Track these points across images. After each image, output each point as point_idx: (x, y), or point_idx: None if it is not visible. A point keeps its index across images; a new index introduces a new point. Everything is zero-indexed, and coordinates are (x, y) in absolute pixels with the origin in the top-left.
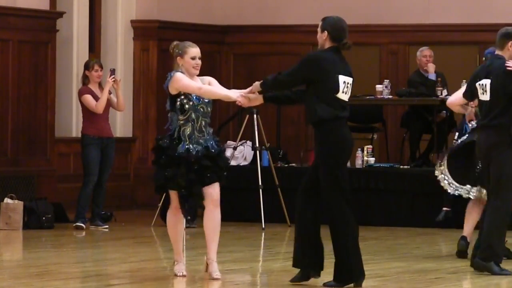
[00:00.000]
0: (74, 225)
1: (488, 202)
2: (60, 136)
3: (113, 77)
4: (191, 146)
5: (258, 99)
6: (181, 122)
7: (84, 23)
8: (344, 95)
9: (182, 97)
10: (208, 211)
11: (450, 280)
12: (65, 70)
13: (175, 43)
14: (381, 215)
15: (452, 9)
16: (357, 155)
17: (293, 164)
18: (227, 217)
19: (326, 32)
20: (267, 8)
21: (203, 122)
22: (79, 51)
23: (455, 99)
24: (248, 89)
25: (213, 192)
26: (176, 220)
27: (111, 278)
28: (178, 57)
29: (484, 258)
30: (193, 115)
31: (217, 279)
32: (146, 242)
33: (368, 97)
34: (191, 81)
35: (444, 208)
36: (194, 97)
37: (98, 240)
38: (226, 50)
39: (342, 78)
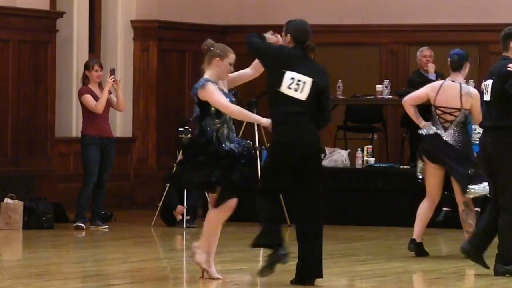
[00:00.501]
0: (74, 225)
1: (493, 205)
2: (60, 136)
3: (113, 77)
4: (232, 146)
5: None
6: (218, 125)
7: (84, 23)
8: (292, 91)
9: None
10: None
11: (450, 280)
12: (65, 70)
13: (211, 41)
14: (381, 215)
15: (452, 9)
16: (357, 155)
17: None
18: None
19: (289, 36)
20: (267, 8)
21: (232, 121)
22: (79, 51)
23: (410, 99)
24: None
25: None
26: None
27: (111, 278)
28: (217, 58)
29: (505, 262)
30: (227, 117)
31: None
32: (146, 242)
33: (368, 97)
34: (222, 96)
35: (444, 208)
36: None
37: (98, 240)
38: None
39: (290, 74)
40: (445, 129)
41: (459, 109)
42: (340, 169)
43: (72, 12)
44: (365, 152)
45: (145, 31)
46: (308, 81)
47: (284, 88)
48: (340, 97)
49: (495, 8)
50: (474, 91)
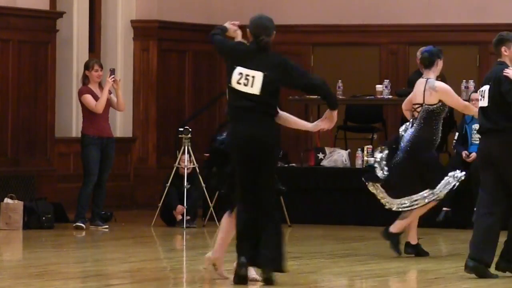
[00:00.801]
0: (74, 225)
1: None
2: (60, 136)
3: (113, 77)
4: None
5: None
6: None
7: (84, 23)
8: (241, 86)
9: None
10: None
11: (450, 280)
12: (65, 70)
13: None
14: (381, 215)
15: (451, 9)
16: (357, 155)
17: (293, 164)
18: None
19: (248, 30)
20: (266, 8)
21: None
22: (79, 51)
23: (403, 104)
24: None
25: None
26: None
27: (111, 278)
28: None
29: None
30: None
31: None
32: (146, 242)
33: (368, 97)
34: None
35: (444, 208)
36: None
37: (98, 240)
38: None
39: (239, 70)
40: (412, 125)
41: (421, 105)
42: (340, 169)
43: (72, 12)
44: (365, 152)
45: (145, 31)
46: (257, 75)
47: (234, 83)
48: (340, 97)
49: (494, 8)
50: (440, 84)
